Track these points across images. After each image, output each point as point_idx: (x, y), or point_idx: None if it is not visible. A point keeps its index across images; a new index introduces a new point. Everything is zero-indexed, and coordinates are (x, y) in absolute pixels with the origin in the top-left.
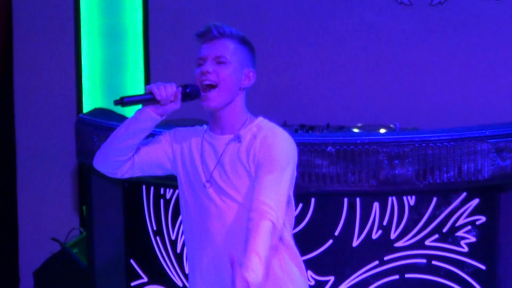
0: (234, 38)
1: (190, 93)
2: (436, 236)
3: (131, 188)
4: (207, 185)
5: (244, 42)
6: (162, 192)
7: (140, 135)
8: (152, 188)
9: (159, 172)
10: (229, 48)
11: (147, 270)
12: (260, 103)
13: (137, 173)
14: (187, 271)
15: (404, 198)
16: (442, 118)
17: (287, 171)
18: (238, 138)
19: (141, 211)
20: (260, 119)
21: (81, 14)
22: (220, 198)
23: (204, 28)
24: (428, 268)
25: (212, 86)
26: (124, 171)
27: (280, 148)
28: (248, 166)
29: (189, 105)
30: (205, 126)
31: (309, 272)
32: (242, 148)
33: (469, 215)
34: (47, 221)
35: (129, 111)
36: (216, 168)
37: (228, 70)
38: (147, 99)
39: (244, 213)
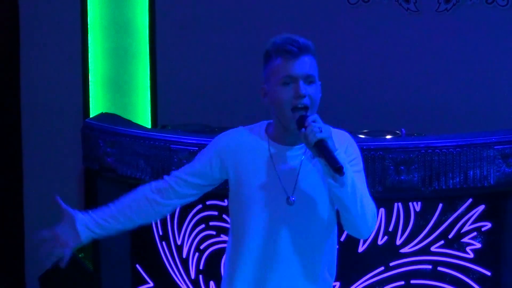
0: (313, 52)
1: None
2: (442, 242)
3: None
4: (291, 199)
5: (316, 53)
6: None
7: None
8: None
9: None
10: (314, 66)
11: (153, 275)
12: (265, 111)
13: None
14: (193, 277)
15: (410, 204)
16: (448, 124)
17: None
18: None
19: None
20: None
21: (88, 18)
22: (303, 210)
23: (288, 42)
24: (434, 274)
25: (305, 109)
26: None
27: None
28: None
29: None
30: (259, 135)
31: None
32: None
33: (475, 221)
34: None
35: (136, 117)
36: (298, 182)
37: (317, 90)
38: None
39: (321, 220)
